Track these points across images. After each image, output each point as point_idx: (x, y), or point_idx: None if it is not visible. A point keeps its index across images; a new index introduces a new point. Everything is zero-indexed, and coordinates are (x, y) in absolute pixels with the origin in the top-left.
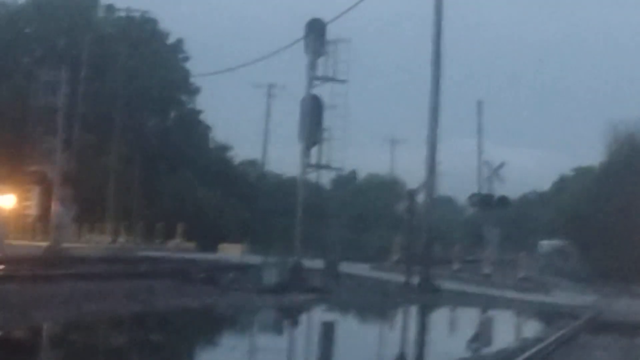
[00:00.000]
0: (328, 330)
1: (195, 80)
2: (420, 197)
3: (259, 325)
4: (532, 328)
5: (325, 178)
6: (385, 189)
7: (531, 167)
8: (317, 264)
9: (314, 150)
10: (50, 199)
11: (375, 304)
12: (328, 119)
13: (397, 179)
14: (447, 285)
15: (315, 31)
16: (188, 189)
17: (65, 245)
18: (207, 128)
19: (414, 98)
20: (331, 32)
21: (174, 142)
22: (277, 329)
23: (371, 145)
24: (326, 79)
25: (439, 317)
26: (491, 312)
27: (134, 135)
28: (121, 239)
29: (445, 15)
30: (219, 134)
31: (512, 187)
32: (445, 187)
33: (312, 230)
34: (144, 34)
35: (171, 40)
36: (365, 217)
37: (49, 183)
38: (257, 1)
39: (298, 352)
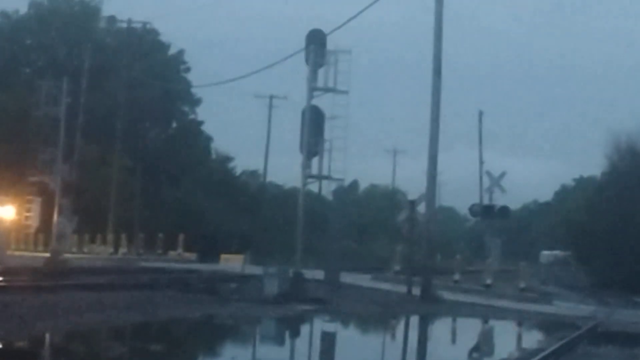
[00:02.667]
0: (329, 341)
1: (196, 91)
2: (422, 207)
3: (259, 336)
4: (533, 338)
5: (327, 189)
6: (386, 199)
7: (532, 177)
8: (318, 274)
9: (315, 161)
10: (51, 209)
11: (376, 315)
12: (329, 129)
13: (398, 189)
14: (448, 295)
15: (316, 42)
16: (189, 200)
17: (67, 256)
18: (209, 139)
19: (414, 108)
20: (332, 43)
21: (176, 152)
22: (278, 340)
23: (372, 156)
24: (327, 90)
25: (440, 328)
26: (492, 323)
27: (135, 146)
28: (122, 250)
29: (446, 24)
30: (221, 145)
31: (513, 197)
32: (447, 197)
33: (313, 240)
34: (145, 45)
35: (172, 51)
36: (366, 228)
37: (50, 194)
38: (258, 12)
39: None
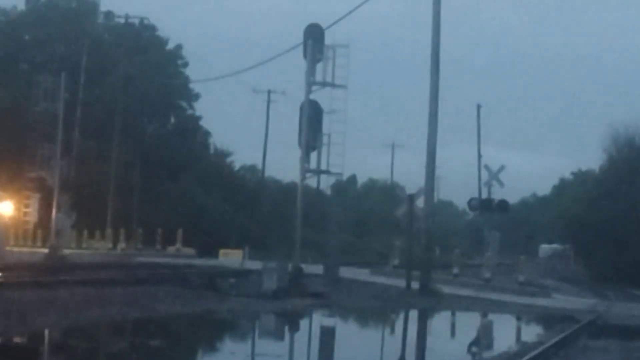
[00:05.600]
0: (328, 336)
1: (194, 86)
2: (420, 202)
3: (259, 331)
4: (532, 331)
5: (325, 183)
6: (385, 193)
7: (531, 170)
8: (317, 268)
9: (314, 156)
10: (50, 205)
11: (375, 309)
12: (327, 124)
13: (397, 183)
14: (448, 289)
15: (314, 36)
16: (188, 195)
17: (65, 251)
18: (207, 134)
19: (413, 103)
20: (330, 37)
21: (174, 147)
22: (278, 334)
23: (371, 150)
24: (325, 84)
25: (440, 322)
26: (491, 316)
27: (133, 141)
28: (121, 245)
29: (444, 18)
30: (219, 140)
31: (512, 191)
32: (445, 191)
33: (312, 235)
34: (143, 41)
35: (170, 46)
36: (365, 222)
37: (48, 189)
38: (255, 7)
39: (299, 358)
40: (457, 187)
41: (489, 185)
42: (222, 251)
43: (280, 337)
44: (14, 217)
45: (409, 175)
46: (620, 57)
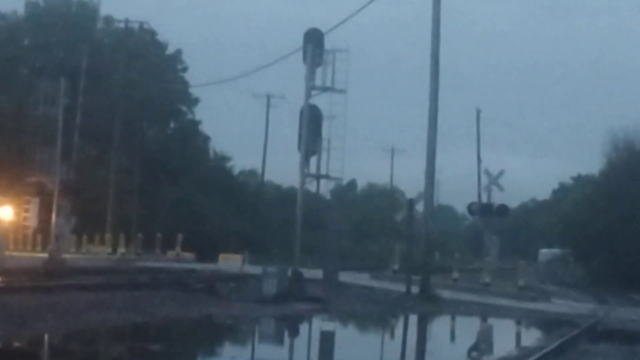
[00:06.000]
0: (328, 340)
1: (194, 90)
2: (420, 206)
3: (259, 335)
4: (532, 336)
5: (325, 188)
6: (385, 198)
7: (531, 175)
8: (317, 273)
9: (313, 160)
10: (49, 210)
11: (375, 313)
12: (327, 128)
13: (397, 188)
14: (447, 294)
15: (313, 41)
16: (187, 199)
17: (65, 256)
18: (207, 138)
19: (412, 107)
20: (329, 42)
21: (174, 152)
22: (277, 339)
23: (370, 155)
24: (324, 89)
25: (439, 327)
26: (491, 321)
27: (133, 146)
28: (121, 250)
29: (444, 23)
30: (219, 144)
31: (511, 195)
32: (445, 195)
33: (312, 239)
34: (142, 45)
35: (170, 50)
36: (364, 227)
37: (48, 194)
38: (255, 12)
39: None
40: (457, 191)
41: (488, 190)
42: (221, 256)
43: (280, 342)
44: (14, 222)
45: (409, 179)
46: (619, 61)
